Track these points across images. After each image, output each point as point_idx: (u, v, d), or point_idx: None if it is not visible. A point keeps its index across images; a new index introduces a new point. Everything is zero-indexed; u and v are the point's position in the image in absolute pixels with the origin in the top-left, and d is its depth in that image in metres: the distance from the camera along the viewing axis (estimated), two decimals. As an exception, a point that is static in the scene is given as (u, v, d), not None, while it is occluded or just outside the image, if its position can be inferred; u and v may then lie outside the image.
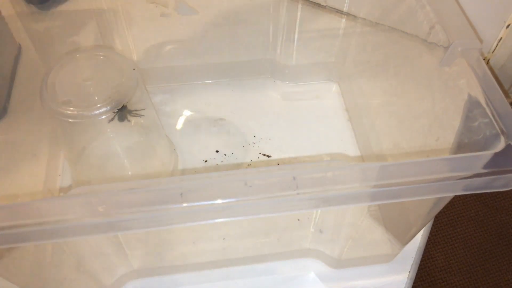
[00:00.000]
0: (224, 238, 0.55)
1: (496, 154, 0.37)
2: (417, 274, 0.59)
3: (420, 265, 0.59)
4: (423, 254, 0.60)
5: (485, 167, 0.37)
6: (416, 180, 0.37)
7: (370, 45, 0.64)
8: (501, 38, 0.58)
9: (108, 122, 0.56)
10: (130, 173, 0.61)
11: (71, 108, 0.51)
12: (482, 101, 0.40)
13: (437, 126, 0.48)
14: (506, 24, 0.57)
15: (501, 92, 0.40)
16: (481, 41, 0.45)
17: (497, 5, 0.56)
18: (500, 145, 0.38)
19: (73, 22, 0.65)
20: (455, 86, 0.44)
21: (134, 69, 0.54)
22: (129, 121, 0.59)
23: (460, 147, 0.43)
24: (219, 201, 0.35)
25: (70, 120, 0.52)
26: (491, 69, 0.64)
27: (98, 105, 0.52)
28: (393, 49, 0.58)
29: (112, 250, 0.49)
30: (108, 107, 0.53)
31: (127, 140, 0.61)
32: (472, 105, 0.42)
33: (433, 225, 0.99)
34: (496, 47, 0.60)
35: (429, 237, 0.61)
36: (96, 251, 0.49)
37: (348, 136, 0.68)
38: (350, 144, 0.67)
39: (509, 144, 0.37)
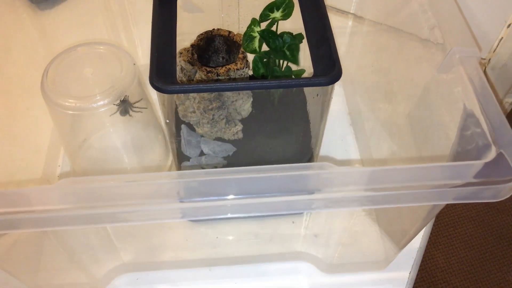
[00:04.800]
0: (217, 237, 0.55)
1: (486, 164, 0.36)
2: (417, 275, 0.58)
3: (420, 265, 0.59)
4: (423, 255, 0.59)
5: (476, 176, 0.36)
6: (405, 186, 0.36)
7: (374, 49, 0.64)
8: (502, 38, 0.58)
9: (110, 116, 0.57)
10: (128, 166, 0.62)
11: (71, 100, 0.52)
12: (477, 111, 0.40)
13: (434, 133, 0.48)
14: (507, 24, 0.57)
15: (496, 102, 0.40)
16: (480, 49, 0.44)
17: (498, 5, 0.56)
18: (491, 155, 0.37)
19: (78, 18, 0.66)
20: (451, 94, 0.43)
21: (134, 64, 0.55)
22: (130, 115, 0.60)
23: (454, 155, 0.43)
24: (213, 198, 0.35)
25: (70, 112, 0.52)
26: (489, 80, 0.63)
27: (98, 98, 0.53)
28: (394, 55, 0.57)
29: (101, 243, 0.50)
30: (107, 100, 0.53)
31: (126, 134, 0.61)
32: (466, 114, 0.41)
33: (434, 225, 0.98)
34: (497, 46, 0.59)
35: (429, 238, 0.60)
36: (85, 244, 0.49)
37: (349, 140, 0.67)
38: (351, 148, 0.67)
39: (500, 154, 0.36)
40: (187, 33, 0.67)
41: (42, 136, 0.63)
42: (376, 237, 0.55)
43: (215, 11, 0.62)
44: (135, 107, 0.60)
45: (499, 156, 0.37)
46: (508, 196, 0.36)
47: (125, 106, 0.58)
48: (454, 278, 1.27)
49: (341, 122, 0.69)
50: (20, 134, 0.59)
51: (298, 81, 0.43)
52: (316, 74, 0.45)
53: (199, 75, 0.53)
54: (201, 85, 0.43)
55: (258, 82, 0.43)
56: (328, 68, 0.45)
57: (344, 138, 0.68)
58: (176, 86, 0.42)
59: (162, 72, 0.44)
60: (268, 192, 0.36)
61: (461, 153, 0.41)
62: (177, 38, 0.69)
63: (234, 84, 0.43)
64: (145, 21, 0.67)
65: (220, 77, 0.53)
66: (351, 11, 0.66)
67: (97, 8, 0.64)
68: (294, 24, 0.53)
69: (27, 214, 0.34)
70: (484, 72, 0.62)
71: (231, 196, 0.35)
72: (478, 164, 0.36)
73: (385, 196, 0.36)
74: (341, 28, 0.69)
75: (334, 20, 0.69)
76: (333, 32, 0.69)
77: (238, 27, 0.59)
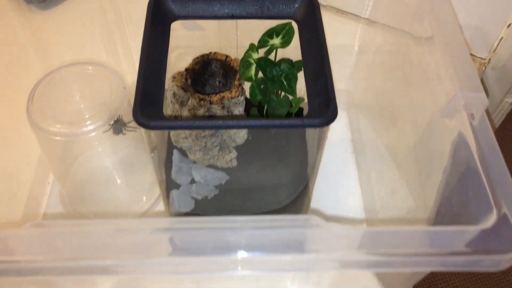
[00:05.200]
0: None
1: (485, 231, 0.33)
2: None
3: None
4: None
5: (471, 244, 0.33)
6: (392, 253, 0.34)
7: (380, 73, 0.61)
8: (502, 38, 0.57)
9: (103, 133, 0.55)
10: (119, 187, 0.60)
11: (59, 126, 0.50)
12: (478, 165, 0.37)
13: (433, 178, 0.45)
14: (507, 24, 0.55)
15: (502, 159, 0.36)
16: (487, 94, 0.41)
17: (498, 5, 0.54)
18: (491, 219, 0.34)
19: (75, 22, 0.64)
20: (453, 142, 0.40)
21: (124, 88, 0.52)
22: (124, 134, 0.58)
23: (450, 210, 0.40)
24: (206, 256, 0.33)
25: (58, 138, 0.50)
26: (489, 80, 0.61)
27: (88, 123, 0.51)
28: (400, 83, 0.54)
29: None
30: (96, 124, 0.51)
31: (118, 153, 0.59)
32: (467, 166, 0.38)
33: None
34: (497, 46, 0.58)
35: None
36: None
37: (351, 170, 0.65)
38: (352, 179, 0.64)
39: (503, 217, 0.33)
40: (184, 46, 0.65)
41: (32, 153, 0.61)
42: (371, 283, 0.52)
43: (213, 31, 0.60)
44: (129, 127, 0.58)
45: (502, 220, 0.34)
46: (508, 267, 0.33)
47: (118, 126, 0.57)
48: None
49: (344, 149, 0.66)
50: (10, 148, 0.57)
51: (290, 122, 0.41)
52: (310, 111, 0.42)
53: (192, 102, 0.51)
54: (186, 122, 0.41)
55: (248, 121, 0.40)
56: (323, 106, 0.42)
57: (345, 166, 0.65)
58: (160, 122, 0.40)
59: (148, 104, 0.42)
60: (248, 251, 0.34)
61: (458, 209, 0.38)
62: (177, 52, 0.67)
63: (221, 122, 0.40)
64: (141, 31, 0.65)
65: (213, 105, 0.51)
66: (363, 15, 0.63)
67: (92, 12, 0.62)
68: (296, 41, 0.50)
69: None
70: (484, 72, 0.62)
71: (206, 254, 0.33)
72: (474, 230, 0.33)
73: (369, 261, 0.34)
74: (348, 47, 0.66)
75: (341, 39, 0.66)
76: (340, 50, 0.66)
77: (236, 52, 0.56)
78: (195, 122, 0.40)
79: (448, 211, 0.40)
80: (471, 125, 0.39)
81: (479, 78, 0.41)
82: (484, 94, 0.40)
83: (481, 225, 0.33)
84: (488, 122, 0.39)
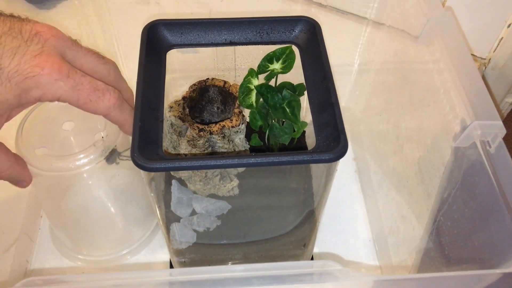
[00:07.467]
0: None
1: (506, 275, 0.31)
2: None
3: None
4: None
5: None
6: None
7: (382, 91, 0.59)
8: (502, 38, 0.58)
9: (96, 164, 0.52)
10: (112, 219, 0.58)
11: (48, 159, 0.47)
12: (500, 199, 0.35)
13: (448, 207, 0.43)
14: (507, 24, 0.56)
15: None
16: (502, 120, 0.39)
17: (498, 5, 0.55)
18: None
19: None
20: (468, 170, 0.39)
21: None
22: (117, 163, 0.56)
23: (468, 246, 0.38)
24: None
25: (49, 173, 0.48)
26: (489, 80, 0.60)
27: (80, 156, 0.48)
28: (403, 102, 0.52)
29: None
30: (86, 160, 0.48)
31: (110, 184, 0.56)
32: (487, 198, 0.36)
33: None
34: (497, 46, 0.59)
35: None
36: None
37: (355, 190, 0.63)
38: (357, 198, 0.62)
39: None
40: (178, 70, 0.62)
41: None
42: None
43: (209, 53, 0.57)
44: (123, 156, 0.56)
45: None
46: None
47: (112, 156, 0.54)
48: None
49: (346, 168, 0.64)
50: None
51: (299, 158, 0.38)
52: (318, 144, 0.40)
53: (190, 133, 0.48)
54: (190, 162, 0.38)
55: (255, 159, 0.38)
56: (332, 140, 0.40)
57: (348, 185, 0.63)
58: (161, 164, 0.38)
59: (146, 143, 0.39)
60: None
61: (478, 246, 0.37)
62: (171, 75, 0.64)
63: (226, 161, 0.38)
64: (132, 54, 0.62)
65: (213, 135, 0.48)
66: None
67: (83, 38, 0.59)
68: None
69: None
70: (484, 72, 0.62)
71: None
72: (494, 274, 0.31)
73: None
74: (348, 66, 0.64)
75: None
76: (340, 69, 0.64)
77: (234, 74, 0.54)
78: (198, 162, 0.38)
79: (465, 246, 0.38)
80: (488, 153, 0.37)
81: (495, 108, 0.39)
82: (501, 122, 0.38)
83: (502, 269, 0.32)
84: (506, 150, 0.37)
